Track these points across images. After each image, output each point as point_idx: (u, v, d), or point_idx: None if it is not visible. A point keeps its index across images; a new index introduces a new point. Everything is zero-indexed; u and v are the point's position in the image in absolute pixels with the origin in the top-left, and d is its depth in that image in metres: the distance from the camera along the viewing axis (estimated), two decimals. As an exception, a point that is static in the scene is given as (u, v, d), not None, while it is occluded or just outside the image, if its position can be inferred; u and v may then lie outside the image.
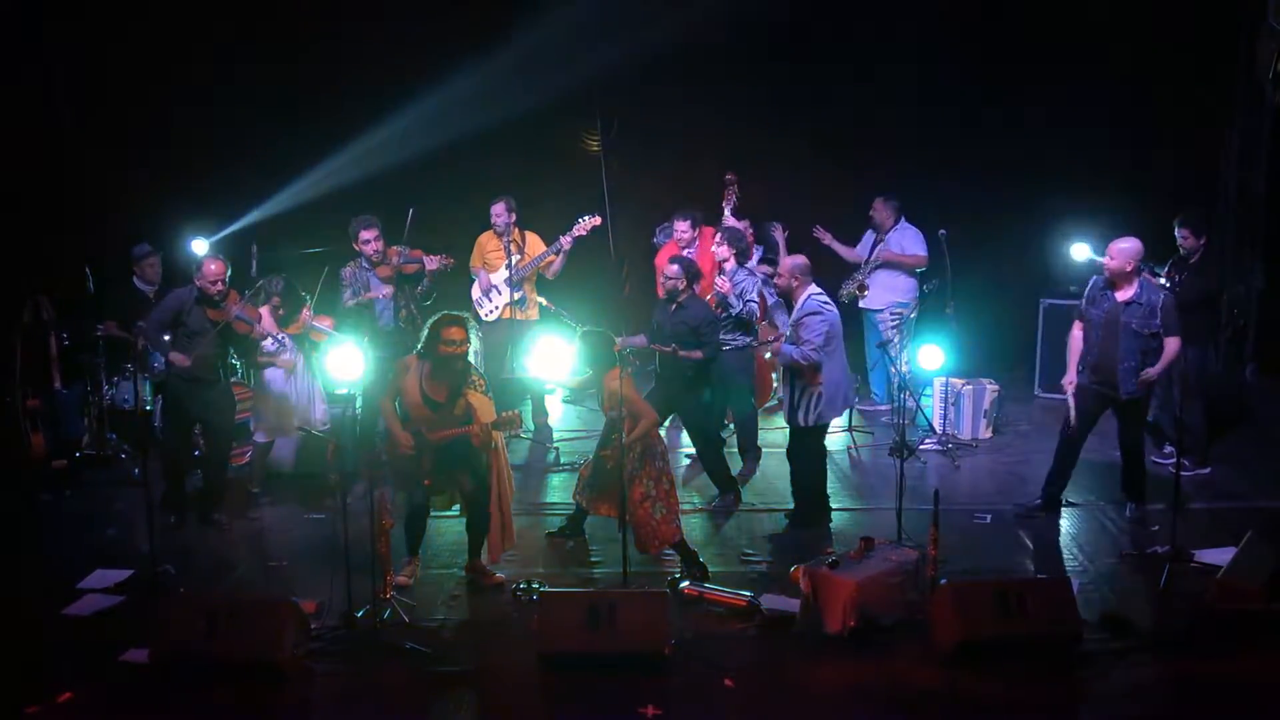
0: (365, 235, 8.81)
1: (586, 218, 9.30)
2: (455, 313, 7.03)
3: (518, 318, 9.36)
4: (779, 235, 9.87)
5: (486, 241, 9.55)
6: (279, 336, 8.17)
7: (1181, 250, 8.69)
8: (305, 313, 8.48)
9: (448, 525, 7.60)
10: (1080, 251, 8.90)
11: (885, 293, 10.06)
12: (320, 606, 6.53)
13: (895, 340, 9.83)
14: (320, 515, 8.05)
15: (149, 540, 6.83)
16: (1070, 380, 7.76)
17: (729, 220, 9.46)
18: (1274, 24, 9.69)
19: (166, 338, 7.74)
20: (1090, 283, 7.86)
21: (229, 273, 7.87)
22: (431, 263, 8.93)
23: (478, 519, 6.99)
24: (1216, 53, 10.38)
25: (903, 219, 10.12)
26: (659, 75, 10.60)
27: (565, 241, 9.28)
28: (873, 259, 10.09)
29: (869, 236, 10.29)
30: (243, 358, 8.41)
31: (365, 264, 8.88)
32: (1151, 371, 7.56)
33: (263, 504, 8.33)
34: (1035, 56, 10.53)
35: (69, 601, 6.76)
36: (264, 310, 8.25)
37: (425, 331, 6.90)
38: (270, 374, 8.36)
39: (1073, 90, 10.52)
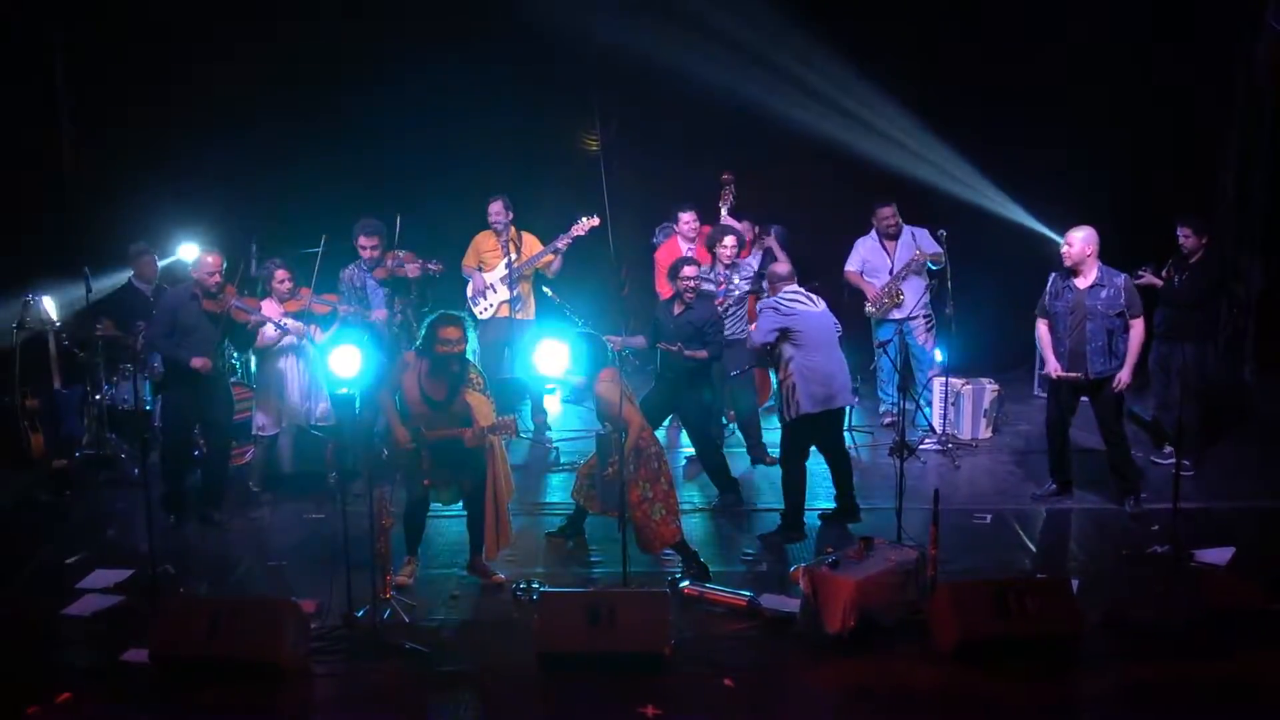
0: (365, 242, 8.87)
1: (585, 218, 9.30)
2: (452, 312, 7.05)
3: (515, 317, 9.36)
4: (772, 241, 9.84)
5: (483, 241, 9.54)
6: (280, 322, 8.15)
7: (1182, 249, 8.70)
8: (305, 292, 8.48)
9: (448, 525, 7.60)
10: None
11: (912, 297, 9.59)
12: (320, 606, 6.53)
13: (929, 341, 9.65)
14: (320, 515, 8.04)
15: (149, 540, 6.82)
16: (1055, 368, 7.96)
17: (727, 220, 9.45)
18: (1274, 24, 9.70)
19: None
20: (1050, 279, 8.02)
21: (225, 265, 7.90)
22: (417, 269, 8.95)
23: (478, 518, 6.99)
24: (1216, 53, 10.38)
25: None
26: (659, 74, 10.58)
27: (562, 243, 9.27)
28: (909, 264, 9.51)
29: (868, 246, 9.80)
30: (241, 351, 8.39)
31: (363, 265, 8.91)
32: (1124, 374, 7.76)
33: (263, 504, 8.34)
34: (1036, 57, 10.52)
35: (69, 601, 6.76)
36: (270, 298, 8.27)
37: (423, 330, 6.92)
38: (272, 370, 8.36)
39: (1073, 91, 10.53)
